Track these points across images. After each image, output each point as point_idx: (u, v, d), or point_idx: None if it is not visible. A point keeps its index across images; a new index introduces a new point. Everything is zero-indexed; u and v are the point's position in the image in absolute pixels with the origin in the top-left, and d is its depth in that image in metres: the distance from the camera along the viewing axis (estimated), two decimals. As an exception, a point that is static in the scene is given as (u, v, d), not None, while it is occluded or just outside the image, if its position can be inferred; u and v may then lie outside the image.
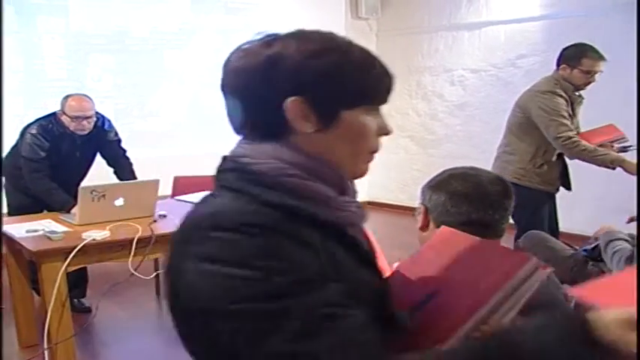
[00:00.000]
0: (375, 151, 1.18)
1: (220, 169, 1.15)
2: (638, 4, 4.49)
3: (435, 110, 8.05)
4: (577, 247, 3.71)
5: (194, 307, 1.00)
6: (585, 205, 6.08)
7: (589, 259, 3.50)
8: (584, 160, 4.14)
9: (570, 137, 4.06)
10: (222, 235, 0.99)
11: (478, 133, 7.43)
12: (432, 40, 7.99)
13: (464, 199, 1.64)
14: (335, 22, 7.63)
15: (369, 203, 8.74)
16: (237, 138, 1.16)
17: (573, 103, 4.26)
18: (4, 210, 4.42)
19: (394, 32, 8.36)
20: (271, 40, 1.10)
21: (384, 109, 1.25)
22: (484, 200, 1.64)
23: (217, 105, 1.18)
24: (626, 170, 4.00)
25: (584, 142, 4.09)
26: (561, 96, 4.17)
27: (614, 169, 4.09)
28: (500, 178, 1.71)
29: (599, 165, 4.13)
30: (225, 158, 1.15)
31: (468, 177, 1.68)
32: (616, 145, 4.27)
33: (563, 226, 4.60)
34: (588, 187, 5.62)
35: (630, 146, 4.27)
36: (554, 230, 4.34)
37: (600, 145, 4.17)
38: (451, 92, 7.85)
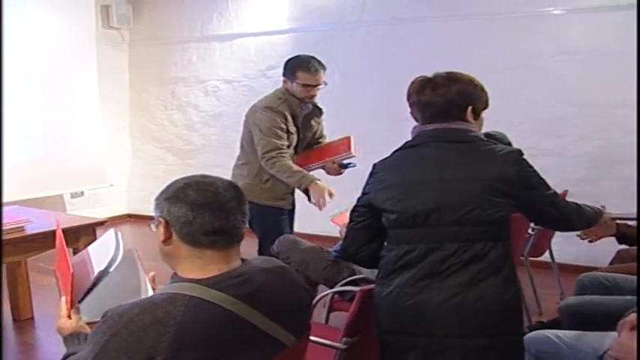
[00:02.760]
0: None
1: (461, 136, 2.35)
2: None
3: (191, 121, 8.11)
4: (329, 249, 3.88)
5: None
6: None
7: (340, 259, 3.67)
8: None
9: (272, 157, 3.98)
10: None
11: (234, 142, 7.48)
12: (185, 51, 8.05)
13: (205, 208, 1.66)
14: (85, 30, 7.44)
15: (129, 216, 8.61)
16: None
17: (297, 118, 4.16)
18: None
19: (147, 42, 8.31)
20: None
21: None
22: (223, 208, 1.68)
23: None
24: (313, 191, 3.99)
25: (282, 163, 3.98)
26: (280, 112, 4.05)
27: (304, 191, 4.07)
28: (233, 184, 1.77)
29: (292, 185, 4.09)
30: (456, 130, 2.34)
31: (204, 186, 1.70)
32: (337, 162, 4.21)
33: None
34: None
35: (350, 163, 4.23)
36: None
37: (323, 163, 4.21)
38: (206, 102, 7.96)
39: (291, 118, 4.11)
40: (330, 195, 3.99)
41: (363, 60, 6.71)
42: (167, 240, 1.71)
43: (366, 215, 2.43)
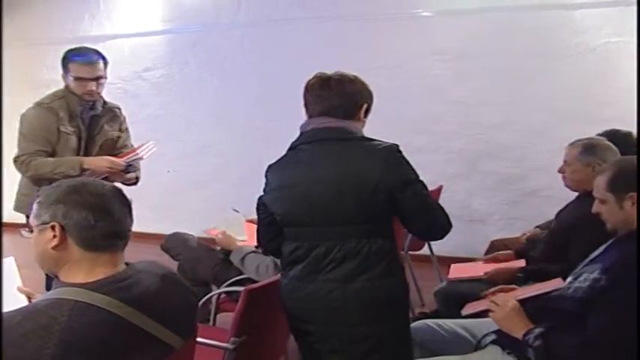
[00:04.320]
0: None
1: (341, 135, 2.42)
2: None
3: (65, 124, 7.84)
4: (215, 248, 3.93)
5: None
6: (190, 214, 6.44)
7: (227, 260, 3.69)
8: (48, 178, 3.47)
9: (23, 161, 3.59)
10: None
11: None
12: (57, 52, 7.69)
13: (104, 212, 1.65)
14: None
15: (7, 225, 8.21)
16: None
17: (75, 117, 3.69)
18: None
19: (15, 43, 7.93)
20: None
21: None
22: (117, 211, 1.68)
23: None
24: (93, 164, 3.58)
25: (37, 162, 3.57)
26: (51, 109, 3.64)
27: (82, 172, 3.52)
28: (117, 187, 1.75)
29: (66, 176, 3.34)
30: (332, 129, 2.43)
31: (94, 189, 1.68)
32: (127, 162, 3.71)
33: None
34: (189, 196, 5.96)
35: (130, 165, 3.75)
36: None
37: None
38: (81, 106, 7.70)
39: (68, 116, 3.67)
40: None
41: (240, 60, 6.72)
42: (59, 245, 1.65)
43: (266, 213, 2.58)
